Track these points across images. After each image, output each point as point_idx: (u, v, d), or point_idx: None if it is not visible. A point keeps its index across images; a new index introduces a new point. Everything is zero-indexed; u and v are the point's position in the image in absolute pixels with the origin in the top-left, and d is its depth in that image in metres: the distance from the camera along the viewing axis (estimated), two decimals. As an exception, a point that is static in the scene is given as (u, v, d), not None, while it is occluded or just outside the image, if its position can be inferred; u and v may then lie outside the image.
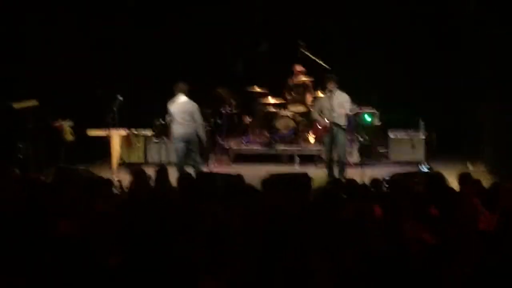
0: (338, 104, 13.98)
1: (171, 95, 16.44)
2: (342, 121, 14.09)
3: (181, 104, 13.99)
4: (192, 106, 14.00)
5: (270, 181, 9.89)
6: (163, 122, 15.86)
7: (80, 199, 8.72)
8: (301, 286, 5.92)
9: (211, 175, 12.54)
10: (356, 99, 14.24)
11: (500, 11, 13.97)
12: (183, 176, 10.15)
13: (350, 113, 14.03)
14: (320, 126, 14.27)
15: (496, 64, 14.31)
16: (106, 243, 6.76)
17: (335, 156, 14.27)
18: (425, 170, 10.93)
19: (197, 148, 14.19)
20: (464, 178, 9.56)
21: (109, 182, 9.92)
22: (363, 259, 6.09)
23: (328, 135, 14.13)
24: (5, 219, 7.46)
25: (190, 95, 14.05)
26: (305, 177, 11.43)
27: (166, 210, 7.99)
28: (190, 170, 13.37)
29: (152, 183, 10.19)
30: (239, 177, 10.53)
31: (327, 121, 14.02)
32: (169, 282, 6.06)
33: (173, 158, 16.19)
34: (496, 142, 14.64)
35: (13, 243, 6.69)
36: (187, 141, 14.02)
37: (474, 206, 7.61)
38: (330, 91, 14.05)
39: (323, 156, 14.93)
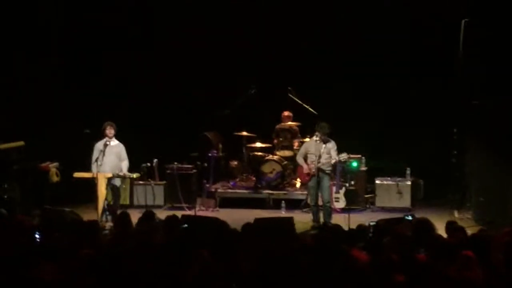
0: (325, 150, 14.05)
1: (160, 137, 16.50)
2: (328, 167, 14.15)
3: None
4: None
5: (254, 226, 9.86)
6: (149, 165, 15.85)
7: (65, 242, 8.65)
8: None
9: (197, 219, 12.50)
10: (343, 145, 14.28)
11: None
12: (169, 219, 10.10)
13: (340, 160, 14.08)
14: (304, 171, 14.32)
15: (480, 115, 14.40)
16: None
17: (320, 201, 14.28)
18: (410, 219, 10.93)
19: None
20: (451, 226, 9.59)
21: (94, 225, 9.86)
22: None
23: (313, 180, 14.15)
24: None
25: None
26: (289, 222, 11.46)
27: (151, 255, 7.94)
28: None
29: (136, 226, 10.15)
30: (223, 223, 10.53)
31: (312, 166, 14.06)
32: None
33: (159, 200, 16.24)
34: (483, 190, 14.65)
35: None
36: None
37: (467, 256, 7.58)
38: (319, 137, 14.11)
39: (309, 201, 14.91)
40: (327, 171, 14.21)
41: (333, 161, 14.14)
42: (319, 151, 14.08)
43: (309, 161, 14.30)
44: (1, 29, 16.19)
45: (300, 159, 14.57)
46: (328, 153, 14.08)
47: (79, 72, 16.84)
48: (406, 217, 10.96)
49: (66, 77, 16.68)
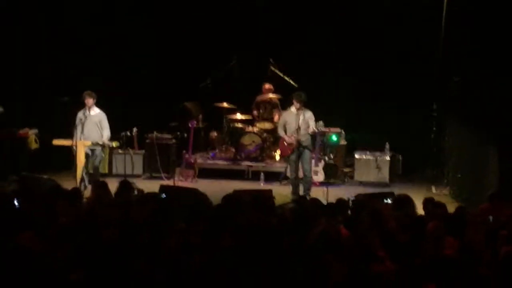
0: (304, 122, 14.03)
1: (140, 107, 16.42)
2: (308, 139, 14.16)
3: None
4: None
5: (233, 198, 9.85)
6: (128, 134, 15.79)
7: (43, 209, 8.61)
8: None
9: (175, 189, 12.50)
10: (323, 119, 14.28)
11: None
12: (146, 194, 10.09)
13: (316, 131, 14.06)
14: (286, 143, 14.32)
15: (460, 91, 14.44)
16: (68, 257, 6.68)
17: (301, 174, 14.30)
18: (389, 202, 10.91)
19: None
20: (428, 202, 9.62)
21: (73, 193, 9.83)
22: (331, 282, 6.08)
23: (294, 153, 14.15)
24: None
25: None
26: (269, 195, 11.47)
27: (129, 225, 7.92)
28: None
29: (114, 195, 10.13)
30: (202, 195, 10.53)
31: (293, 138, 14.05)
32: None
33: (138, 170, 16.22)
34: (460, 167, 14.74)
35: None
36: None
37: (439, 230, 7.64)
38: (297, 108, 14.09)
39: (288, 173, 14.92)
40: (305, 144, 14.20)
41: (310, 131, 14.11)
42: (298, 122, 14.06)
43: (288, 133, 14.29)
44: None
45: (281, 132, 14.55)
46: (307, 123, 14.06)
47: (60, 39, 16.71)
48: (385, 200, 10.92)
49: (47, 44, 16.54)
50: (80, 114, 14.07)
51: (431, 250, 7.19)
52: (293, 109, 14.26)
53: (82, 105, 14.15)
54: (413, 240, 7.53)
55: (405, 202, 9.23)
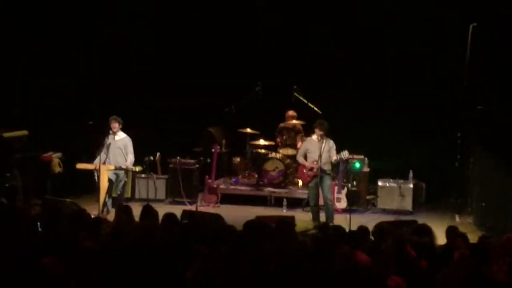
0: (326, 150, 14.00)
1: (164, 132, 16.49)
2: (328, 167, 14.12)
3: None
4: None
5: (255, 224, 9.83)
6: (152, 159, 15.86)
7: (66, 233, 8.63)
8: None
9: (198, 214, 12.49)
10: (346, 146, 14.24)
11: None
12: (168, 215, 10.07)
13: (340, 158, 14.02)
14: (306, 169, 14.29)
15: (484, 120, 14.37)
16: (90, 282, 6.69)
17: (321, 200, 14.26)
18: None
19: None
20: (451, 232, 9.55)
21: (96, 220, 9.85)
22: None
23: (314, 180, 14.11)
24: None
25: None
26: (291, 221, 11.44)
27: (151, 250, 7.92)
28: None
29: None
30: (219, 218, 10.52)
31: (314, 165, 14.02)
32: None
33: (161, 194, 16.25)
34: (484, 195, 14.64)
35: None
36: None
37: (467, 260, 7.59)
38: (319, 136, 14.05)
39: (309, 201, 14.86)
40: (327, 171, 14.18)
41: (333, 160, 14.09)
42: (320, 150, 14.02)
43: (309, 160, 14.27)
44: (9, 18, 16.25)
45: (300, 158, 14.54)
46: (328, 151, 14.03)
47: (84, 64, 16.85)
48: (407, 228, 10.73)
49: (72, 68, 16.68)
50: (106, 139, 14.20)
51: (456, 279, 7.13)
52: (314, 137, 14.22)
53: (107, 129, 14.25)
54: (435, 269, 7.49)
55: (425, 231, 9.16)
